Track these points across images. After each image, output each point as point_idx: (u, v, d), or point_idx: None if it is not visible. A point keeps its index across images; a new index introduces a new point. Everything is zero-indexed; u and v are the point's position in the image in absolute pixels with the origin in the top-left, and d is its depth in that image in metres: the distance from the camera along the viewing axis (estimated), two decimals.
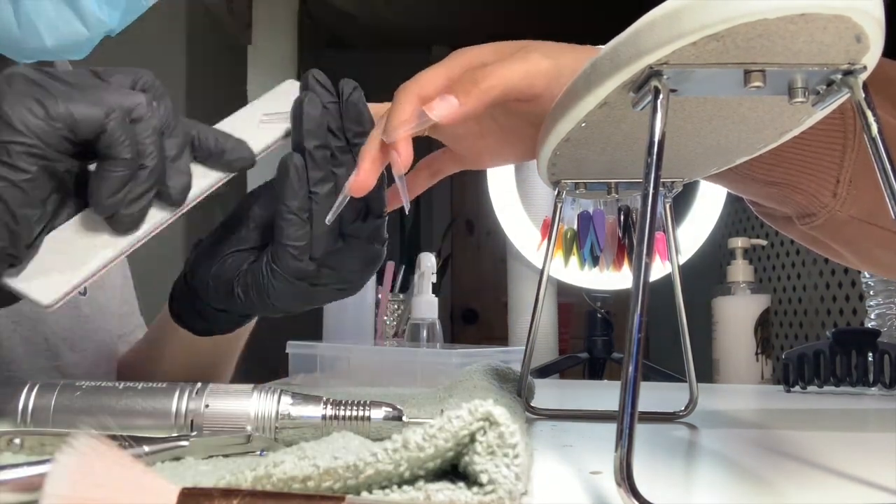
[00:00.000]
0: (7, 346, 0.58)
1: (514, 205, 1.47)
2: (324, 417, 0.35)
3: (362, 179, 0.43)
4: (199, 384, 0.36)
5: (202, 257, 0.51)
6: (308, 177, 0.44)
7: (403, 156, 0.43)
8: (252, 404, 0.35)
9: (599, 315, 1.45)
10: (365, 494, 0.25)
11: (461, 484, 0.25)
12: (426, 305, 0.85)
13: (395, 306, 1.17)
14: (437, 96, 0.45)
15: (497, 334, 3.44)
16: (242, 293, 0.47)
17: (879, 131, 0.32)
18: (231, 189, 0.46)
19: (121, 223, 0.38)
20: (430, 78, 0.46)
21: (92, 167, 0.38)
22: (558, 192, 0.50)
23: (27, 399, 0.35)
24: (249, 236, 0.50)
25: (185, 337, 0.57)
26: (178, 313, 0.56)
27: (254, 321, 0.59)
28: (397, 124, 0.44)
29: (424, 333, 0.83)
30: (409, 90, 0.45)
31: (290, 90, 0.48)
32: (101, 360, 0.67)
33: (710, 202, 1.42)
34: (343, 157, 0.46)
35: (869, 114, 0.32)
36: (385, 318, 1.13)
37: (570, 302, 1.92)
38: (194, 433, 0.34)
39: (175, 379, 0.37)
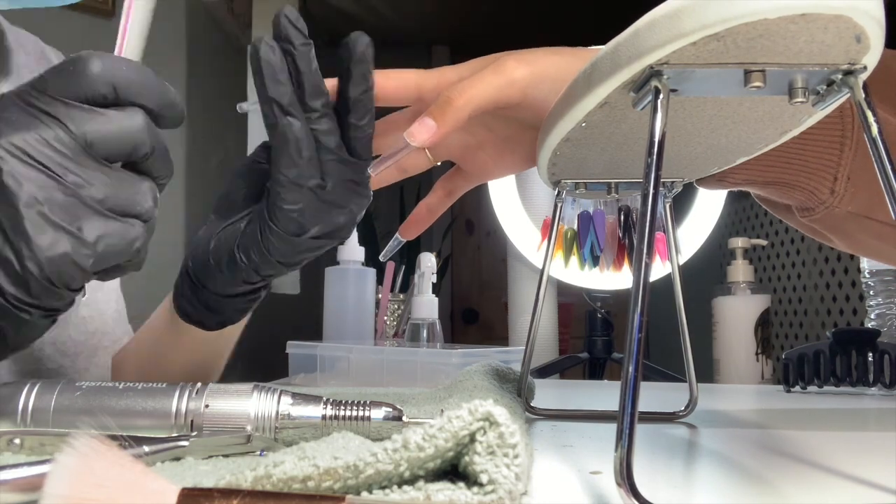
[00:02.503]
0: None
1: (514, 205, 1.47)
2: (324, 417, 0.35)
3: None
4: (198, 384, 0.36)
5: (199, 245, 0.51)
6: (305, 140, 0.45)
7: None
8: (252, 404, 0.35)
9: (599, 315, 1.45)
10: (365, 494, 0.25)
11: (461, 484, 0.25)
12: (426, 305, 0.85)
13: (395, 306, 1.17)
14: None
15: (497, 334, 3.44)
16: (244, 257, 0.48)
17: (879, 131, 0.32)
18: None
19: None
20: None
21: None
22: (558, 192, 0.50)
23: (27, 399, 0.35)
24: (237, 207, 0.50)
25: (187, 336, 0.57)
26: (186, 311, 0.56)
27: (249, 314, 0.60)
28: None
29: (424, 333, 0.83)
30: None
31: None
32: (93, 366, 0.66)
33: (710, 202, 1.42)
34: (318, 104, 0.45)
35: (869, 114, 0.32)
36: (385, 318, 1.13)
37: (570, 302, 1.92)
38: (194, 433, 0.34)
39: (173, 380, 0.37)
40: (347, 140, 0.46)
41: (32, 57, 0.68)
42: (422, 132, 0.44)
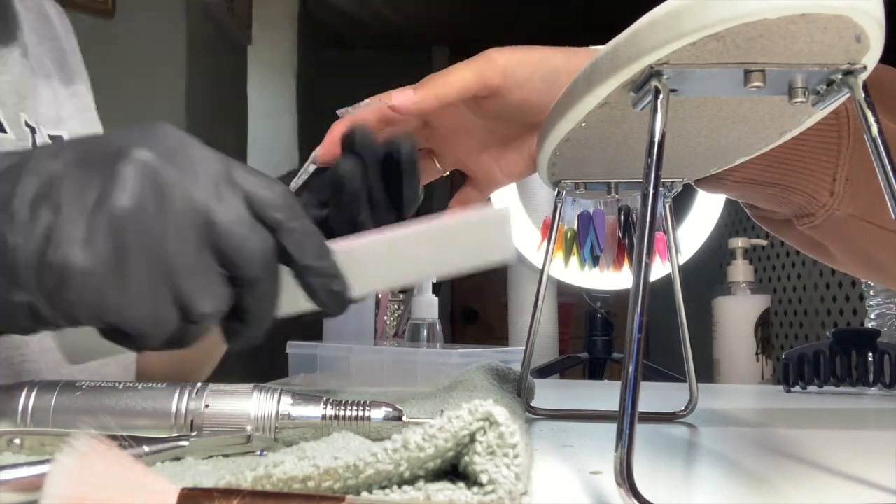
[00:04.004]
0: None
1: (514, 205, 1.47)
2: (324, 417, 0.35)
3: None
4: (199, 384, 0.36)
5: None
6: None
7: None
8: (252, 404, 0.35)
9: (599, 315, 1.45)
10: (365, 494, 0.25)
11: (461, 484, 0.25)
12: (426, 305, 0.85)
13: (395, 306, 1.17)
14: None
15: (497, 334, 3.43)
16: None
17: (880, 131, 0.32)
18: None
19: None
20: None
21: None
22: (558, 192, 0.50)
23: (27, 399, 0.35)
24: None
25: None
26: None
27: None
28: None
29: (424, 333, 0.83)
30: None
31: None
32: (115, 368, 0.64)
33: (710, 202, 1.42)
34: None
35: (869, 114, 0.32)
36: (385, 318, 1.13)
37: (570, 302, 1.92)
38: (194, 433, 0.34)
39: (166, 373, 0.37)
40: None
41: (31, 12, 0.66)
42: (400, 97, 0.47)
